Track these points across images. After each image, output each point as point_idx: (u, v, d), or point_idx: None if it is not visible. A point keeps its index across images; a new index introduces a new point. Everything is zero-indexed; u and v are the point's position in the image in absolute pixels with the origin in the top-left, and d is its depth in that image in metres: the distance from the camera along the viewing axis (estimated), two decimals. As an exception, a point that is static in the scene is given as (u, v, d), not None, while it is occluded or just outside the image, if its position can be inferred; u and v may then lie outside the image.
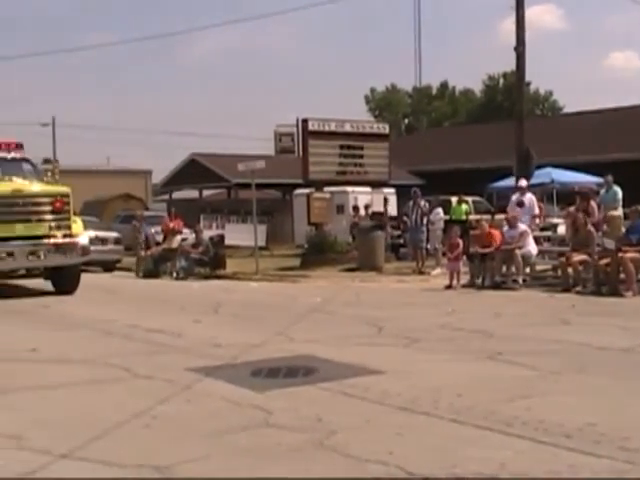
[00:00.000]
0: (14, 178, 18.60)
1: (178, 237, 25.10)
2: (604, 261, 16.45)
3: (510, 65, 32.74)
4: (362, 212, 29.11)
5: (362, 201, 30.60)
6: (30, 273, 19.47)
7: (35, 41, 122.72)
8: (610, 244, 16.87)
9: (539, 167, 26.55)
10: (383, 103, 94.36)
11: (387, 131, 27.48)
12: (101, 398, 7.91)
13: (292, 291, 18.42)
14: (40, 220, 17.75)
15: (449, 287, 18.44)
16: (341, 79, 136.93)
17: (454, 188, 30.68)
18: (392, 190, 33.11)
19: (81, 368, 9.47)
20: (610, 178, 20.41)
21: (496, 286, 17.93)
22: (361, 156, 26.00)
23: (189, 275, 23.04)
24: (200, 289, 19.95)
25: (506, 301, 15.88)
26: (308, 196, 25.70)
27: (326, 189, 25.90)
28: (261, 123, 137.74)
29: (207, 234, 26.30)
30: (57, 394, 8.14)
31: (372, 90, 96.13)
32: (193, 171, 45.19)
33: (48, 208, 17.88)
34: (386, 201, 30.25)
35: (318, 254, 24.24)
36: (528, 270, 19.07)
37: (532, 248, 18.67)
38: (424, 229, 22.95)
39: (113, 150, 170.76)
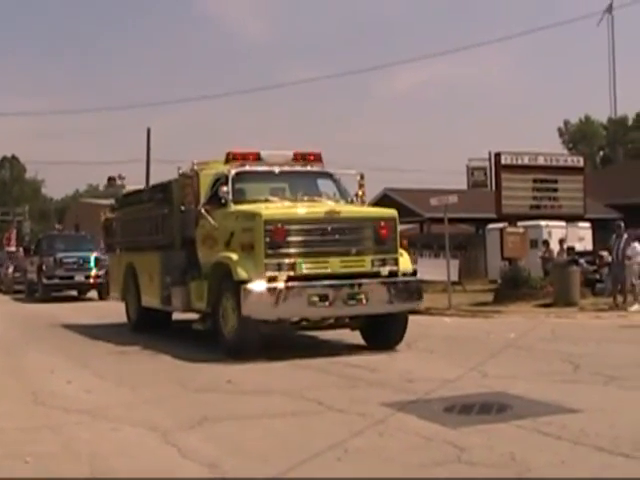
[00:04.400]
0: (316, 197, 15.05)
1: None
2: None
3: None
4: (556, 247, 28.63)
5: (556, 235, 30.10)
6: (337, 323, 14.30)
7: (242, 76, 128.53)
8: None
9: None
10: (578, 135, 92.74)
11: (582, 164, 26.85)
12: (296, 430, 8.06)
13: (485, 326, 18.19)
14: (360, 252, 13.51)
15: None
16: (533, 111, 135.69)
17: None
18: (587, 224, 32.37)
19: (278, 400, 9.64)
20: None
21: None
22: (555, 189, 25.51)
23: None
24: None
25: None
26: (502, 230, 25.43)
27: (520, 223, 25.58)
28: (454, 155, 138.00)
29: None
30: (254, 424, 8.32)
31: (565, 122, 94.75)
32: (387, 205, 45.47)
33: (370, 236, 13.69)
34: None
35: (512, 289, 23.95)
36: None
37: None
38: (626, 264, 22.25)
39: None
